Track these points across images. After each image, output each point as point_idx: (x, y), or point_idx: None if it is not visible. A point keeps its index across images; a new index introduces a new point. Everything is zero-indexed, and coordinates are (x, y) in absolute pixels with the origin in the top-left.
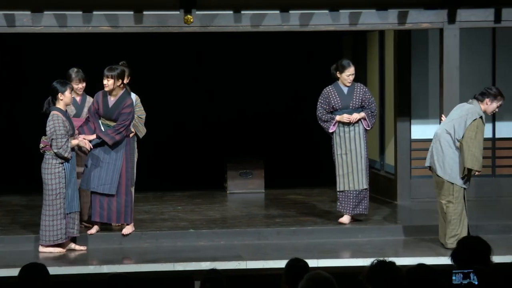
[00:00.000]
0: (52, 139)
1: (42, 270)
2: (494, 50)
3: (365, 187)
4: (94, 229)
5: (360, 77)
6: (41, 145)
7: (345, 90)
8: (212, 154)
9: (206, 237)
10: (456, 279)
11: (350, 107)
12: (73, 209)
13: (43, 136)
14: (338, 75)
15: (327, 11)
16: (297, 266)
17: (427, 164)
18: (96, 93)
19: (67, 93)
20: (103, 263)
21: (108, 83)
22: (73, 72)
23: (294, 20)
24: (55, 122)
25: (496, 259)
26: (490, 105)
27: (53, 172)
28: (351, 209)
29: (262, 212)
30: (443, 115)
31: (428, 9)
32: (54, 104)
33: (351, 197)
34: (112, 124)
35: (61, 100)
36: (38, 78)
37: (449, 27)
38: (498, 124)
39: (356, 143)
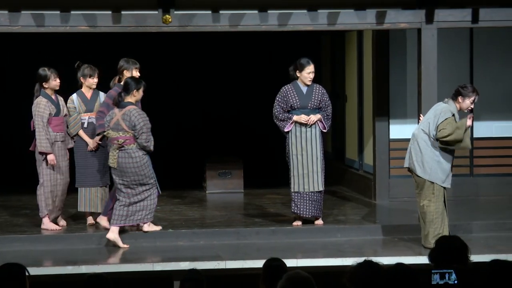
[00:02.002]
0: (143, 132)
1: (19, 271)
2: (471, 48)
3: (320, 189)
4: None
5: (338, 77)
6: (120, 140)
7: (304, 90)
8: (191, 154)
9: (185, 237)
10: (434, 279)
11: (309, 107)
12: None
13: (115, 132)
14: (298, 74)
15: (305, 11)
16: (274, 265)
17: (406, 165)
18: (110, 94)
19: (141, 90)
20: (82, 263)
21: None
22: (48, 70)
23: (272, 20)
24: (142, 116)
25: (475, 258)
26: (463, 103)
27: (144, 163)
28: (307, 211)
29: (241, 212)
30: (421, 115)
31: (406, 9)
32: (122, 99)
33: (307, 199)
34: None
35: (134, 96)
36: (17, 77)
37: (426, 27)
38: (476, 124)
39: (312, 144)
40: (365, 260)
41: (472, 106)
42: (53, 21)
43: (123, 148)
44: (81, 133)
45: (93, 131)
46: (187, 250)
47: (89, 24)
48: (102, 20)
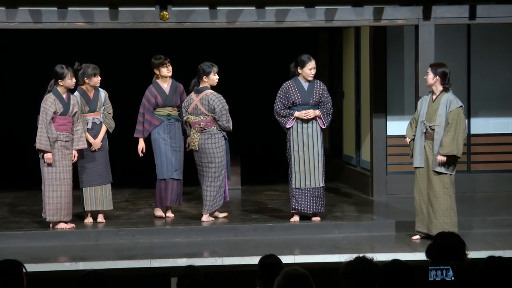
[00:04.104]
0: (222, 114)
1: (16, 267)
2: (469, 45)
3: (321, 185)
4: (160, 213)
5: (336, 73)
6: (202, 123)
7: (306, 86)
8: (188, 150)
9: (183, 233)
10: (432, 275)
11: (310, 103)
12: (229, 178)
13: (195, 116)
14: (299, 70)
15: (303, 8)
16: (268, 263)
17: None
18: (148, 89)
19: (211, 75)
20: (79, 260)
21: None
22: (65, 68)
23: (270, 17)
24: (220, 99)
25: (472, 254)
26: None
27: (220, 145)
28: (308, 207)
29: (238, 209)
30: None
31: (403, 6)
32: (198, 84)
33: (308, 195)
34: (174, 112)
35: (205, 82)
36: (16, 75)
37: (424, 23)
38: (473, 121)
39: (313, 140)
40: (357, 257)
41: (426, 81)
42: (50, 18)
43: (204, 131)
44: (86, 135)
45: (97, 131)
46: (184, 246)
47: (87, 21)
48: (100, 17)
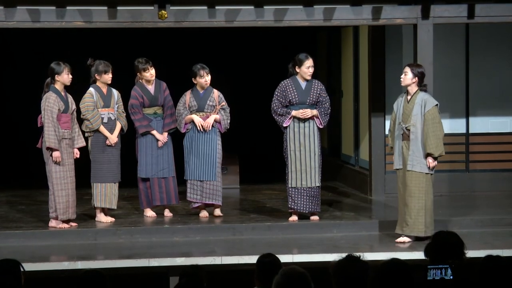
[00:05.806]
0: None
1: (14, 266)
2: (467, 44)
3: (317, 184)
4: (151, 213)
5: (334, 73)
6: None
7: (303, 85)
8: None
9: (181, 232)
10: (430, 274)
11: (307, 103)
12: (191, 177)
13: None
14: (297, 69)
15: (301, 7)
16: (266, 262)
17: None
18: (134, 89)
19: (198, 78)
20: (78, 259)
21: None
22: (62, 64)
23: (268, 16)
24: (179, 100)
25: (470, 254)
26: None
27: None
28: (304, 206)
29: (237, 208)
30: None
31: (402, 5)
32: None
33: (304, 194)
34: (160, 110)
35: (195, 83)
36: (13, 73)
37: (422, 22)
38: (471, 120)
39: (310, 140)
40: (346, 255)
41: (402, 81)
42: (48, 17)
43: None
44: (101, 128)
45: (112, 126)
46: (183, 245)
47: (85, 20)
48: (98, 16)
